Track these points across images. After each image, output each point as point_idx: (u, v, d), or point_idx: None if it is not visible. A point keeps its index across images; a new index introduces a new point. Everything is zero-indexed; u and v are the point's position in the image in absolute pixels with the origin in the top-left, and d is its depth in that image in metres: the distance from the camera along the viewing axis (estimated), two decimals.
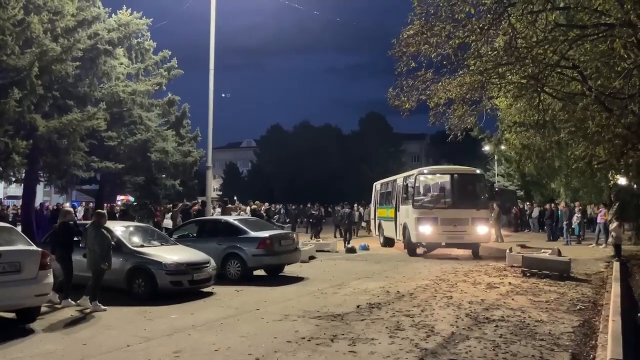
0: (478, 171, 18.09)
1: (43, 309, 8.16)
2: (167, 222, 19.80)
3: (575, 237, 22.12)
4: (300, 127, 71.62)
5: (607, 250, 17.72)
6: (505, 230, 25.73)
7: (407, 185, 17.46)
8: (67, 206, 15.19)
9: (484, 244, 16.89)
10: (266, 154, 70.67)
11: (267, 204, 24.50)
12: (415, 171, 18.09)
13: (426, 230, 16.19)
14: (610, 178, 19.19)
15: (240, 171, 75.44)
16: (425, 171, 18.44)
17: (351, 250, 18.60)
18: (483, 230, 16.36)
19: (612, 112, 11.01)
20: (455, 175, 17.47)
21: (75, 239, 9.57)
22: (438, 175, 19.01)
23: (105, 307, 8.76)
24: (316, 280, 12.08)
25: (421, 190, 17.78)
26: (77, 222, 10.11)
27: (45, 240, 11.18)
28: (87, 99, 19.69)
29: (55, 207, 25.61)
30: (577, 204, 23.57)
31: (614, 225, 16.33)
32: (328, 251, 18.60)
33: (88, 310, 8.64)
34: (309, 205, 32.61)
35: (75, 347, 6.52)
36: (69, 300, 9.07)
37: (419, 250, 17.34)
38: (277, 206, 34.07)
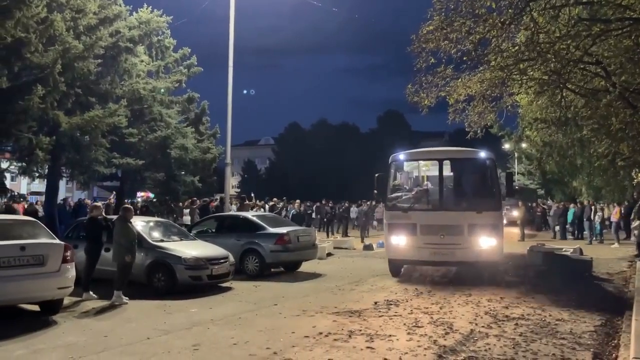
0: (483, 154, 11.59)
1: (65, 301, 8.29)
2: (185, 219, 19.97)
3: (589, 235, 21.77)
4: (318, 126, 71.58)
5: (630, 250, 17.39)
6: (527, 229, 25.28)
7: (378, 177, 12.09)
8: (88, 201, 15.44)
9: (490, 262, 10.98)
10: (284, 152, 70.82)
11: (286, 200, 24.49)
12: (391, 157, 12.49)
13: (399, 241, 11.21)
14: (634, 176, 18.84)
15: (258, 168, 75.75)
16: (401, 156, 12.32)
17: (368, 248, 18.56)
18: (487, 242, 10.72)
19: (636, 109, 10.79)
20: (446, 160, 11.74)
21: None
22: (420, 161, 13.05)
23: (127, 300, 8.92)
24: (334, 276, 12.08)
25: (397, 184, 12.56)
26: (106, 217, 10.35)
27: (68, 234, 11.40)
28: (108, 96, 19.97)
29: (76, 203, 25.98)
30: (590, 202, 23.19)
31: (635, 224, 16.02)
32: (345, 248, 18.59)
33: (110, 302, 8.81)
34: (323, 202, 30.68)
35: (96, 339, 6.62)
36: (90, 293, 9.23)
37: (412, 272, 12.42)
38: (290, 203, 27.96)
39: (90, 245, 9.54)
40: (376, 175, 12.19)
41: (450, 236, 10.84)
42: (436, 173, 11.82)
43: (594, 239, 21.48)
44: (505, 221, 19.28)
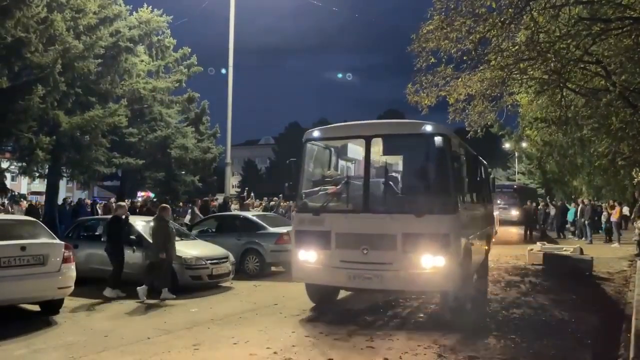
0: (430, 128, 7.75)
1: (66, 301, 8.29)
2: (186, 218, 19.93)
3: (589, 235, 21.77)
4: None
5: (630, 249, 17.40)
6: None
7: (290, 164, 8.93)
8: (88, 201, 15.44)
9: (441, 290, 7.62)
10: (284, 151, 70.90)
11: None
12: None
13: (308, 257, 7.93)
14: (634, 175, 18.83)
15: (259, 168, 75.82)
16: (316, 134, 8.65)
17: None
18: (431, 262, 7.16)
19: (636, 108, 10.79)
20: (376, 138, 8.08)
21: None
22: (341, 142, 9.09)
23: (174, 296, 9.03)
24: None
25: (311, 176, 8.88)
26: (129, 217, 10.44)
27: (68, 234, 11.41)
28: (108, 95, 20.01)
29: (76, 203, 26.01)
30: (590, 201, 23.18)
31: (638, 223, 16.04)
32: None
33: (159, 300, 8.91)
34: None
35: (97, 338, 6.63)
36: (112, 291, 9.31)
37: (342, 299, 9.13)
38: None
39: (111, 245, 9.61)
40: (287, 161, 9.07)
41: (377, 251, 7.41)
42: (357, 161, 8.82)
43: (587, 238, 21.47)
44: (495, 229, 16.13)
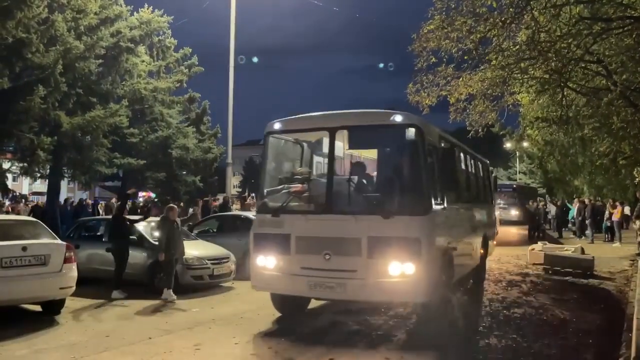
0: (399, 118, 6.84)
1: (67, 301, 8.29)
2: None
3: (590, 234, 21.73)
4: None
5: (631, 249, 17.38)
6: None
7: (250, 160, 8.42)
8: (89, 201, 15.45)
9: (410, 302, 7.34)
10: None
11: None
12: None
13: (267, 263, 7.13)
14: (636, 175, 18.83)
15: None
16: (277, 126, 7.70)
17: None
18: (399, 269, 6.34)
19: (637, 108, 10.80)
20: (341, 129, 7.28)
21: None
22: (303, 134, 8.18)
23: (175, 297, 9.01)
24: None
25: (276, 173, 8.17)
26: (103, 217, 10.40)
27: (69, 234, 11.43)
28: (109, 96, 20.05)
29: (77, 203, 26.04)
30: (590, 200, 23.12)
31: (637, 223, 16.03)
32: None
33: (161, 300, 8.91)
34: None
35: (98, 338, 6.63)
36: (119, 291, 9.31)
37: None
38: None
39: (115, 244, 9.62)
40: (250, 156, 7.95)
41: (340, 257, 6.61)
42: (321, 156, 8.03)
43: (588, 238, 21.43)
44: (497, 228, 14.20)
